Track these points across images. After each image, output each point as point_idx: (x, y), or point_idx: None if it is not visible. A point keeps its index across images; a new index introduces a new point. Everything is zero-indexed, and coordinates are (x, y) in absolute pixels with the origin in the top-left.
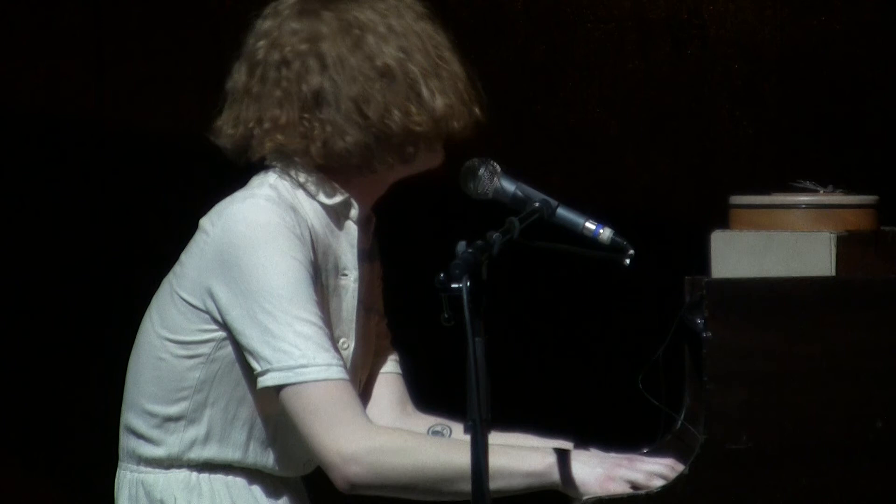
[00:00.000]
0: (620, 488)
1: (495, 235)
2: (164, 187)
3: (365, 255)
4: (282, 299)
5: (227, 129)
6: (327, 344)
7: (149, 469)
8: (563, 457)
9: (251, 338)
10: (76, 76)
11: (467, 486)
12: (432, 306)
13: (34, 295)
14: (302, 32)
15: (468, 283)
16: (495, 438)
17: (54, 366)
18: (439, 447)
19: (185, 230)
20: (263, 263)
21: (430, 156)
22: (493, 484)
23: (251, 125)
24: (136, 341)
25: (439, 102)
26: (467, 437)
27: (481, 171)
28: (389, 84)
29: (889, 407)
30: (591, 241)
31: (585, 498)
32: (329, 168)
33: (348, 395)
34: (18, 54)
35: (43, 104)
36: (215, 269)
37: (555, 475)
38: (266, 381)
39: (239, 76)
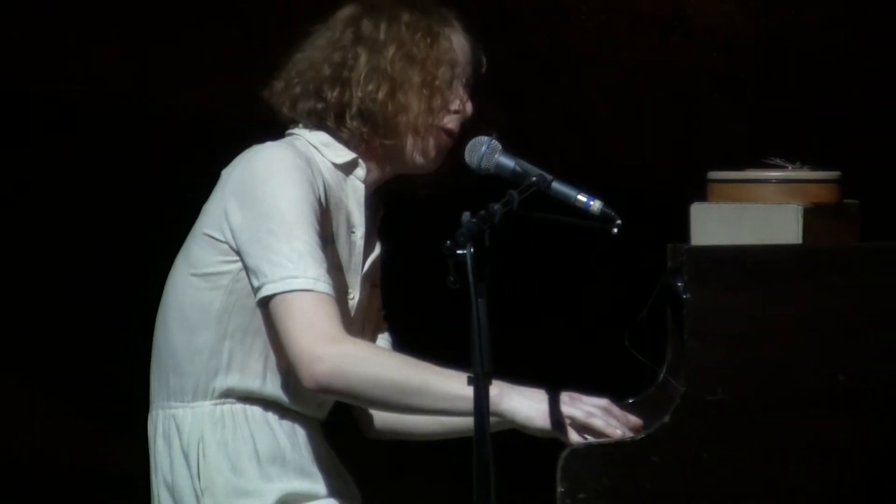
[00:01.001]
0: (559, 423)
1: (496, 206)
2: (202, 166)
3: (371, 237)
4: (284, 221)
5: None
6: (319, 263)
7: (178, 404)
8: (509, 390)
9: (255, 256)
10: (118, 61)
11: (418, 401)
12: (441, 271)
13: (82, 262)
14: (326, 25)
15: (472, 250)
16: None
17: (97, 320)
18: (400, 363)
19: None
20: (274, 190)
21: (403, 149)
22: (443, 404)
23: (268, 93)
24: (165, 289)
25: (381, 91)
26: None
27: (484, 148)
28: (354, 65)
29: (851, 362)
30: (583, 212)
31: (576, 442)
32: (330, 130)
33: (329, 307)
34: (63, 40)
35: (86, 87)
36: (232, 196)
37: (500, 405)
38: (261, 293)
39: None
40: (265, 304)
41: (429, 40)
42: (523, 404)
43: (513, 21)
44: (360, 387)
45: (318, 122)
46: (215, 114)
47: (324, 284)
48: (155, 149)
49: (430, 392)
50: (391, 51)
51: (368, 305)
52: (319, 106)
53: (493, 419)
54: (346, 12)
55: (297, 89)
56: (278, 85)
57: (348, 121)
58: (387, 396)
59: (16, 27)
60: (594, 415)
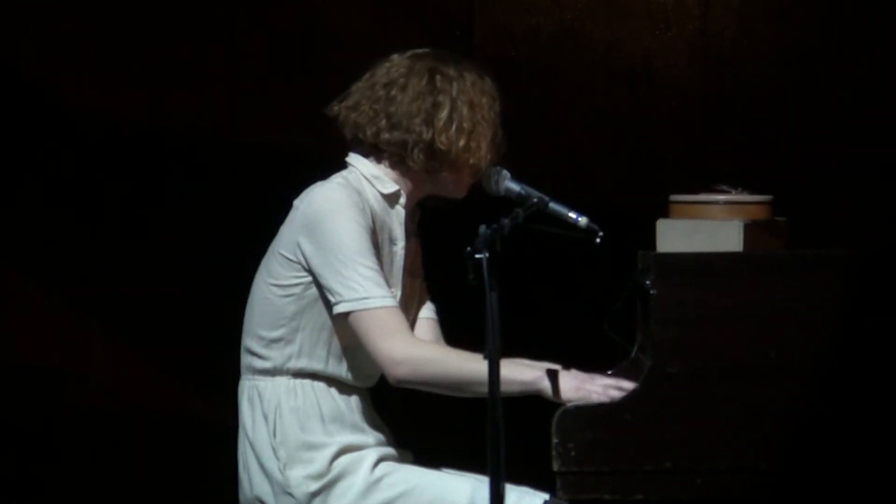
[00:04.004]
0: (585, 395)
1: (505, 221)
2: (280, 190)
3: (410, 237)
4: (349, 251)
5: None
6: (383, 283)
7: (260, 378)
8: (547, 372)
9: (328, 279)
10: (213, 99)
11: (480, 388)
12: (462, 271)
13: (186, 274)
14: (404, 68)
15: (487, 254)
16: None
17: (200, 308)
18: (461, 358)
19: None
20: (336, 226)
21: (452, 182)
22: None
23: (347, 110)
24: (251, 291)
25: (461, 139)
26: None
27: (496, 175)
28: (436, 113)
29: (779, 343)
30: (573, 226)
31: (569, 404)
32: (383, 161)
33: (399, 317)
34: (167, 81)
35: (185, 122)
36: (302, 231)
37: (540, 384)
38: (339, 308)
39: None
40: (342, 316)
41: (488, 101)
42: (558, 382)
43: (513, 74)
44: (431, 381)
45: (396, 151)
46: (299, 146)
47: (391, 300)
48: (242, 177)
49: (483, 380)
50: (465, 105)
51: (411, 291)
52: (405, 138)
53: (521, 388)
54: (419, 64)
55: (383, 121)
56: (361, 111)
57: (423, 155)
58: (455, 384)
59: (121, 69)
60: (611, 388)
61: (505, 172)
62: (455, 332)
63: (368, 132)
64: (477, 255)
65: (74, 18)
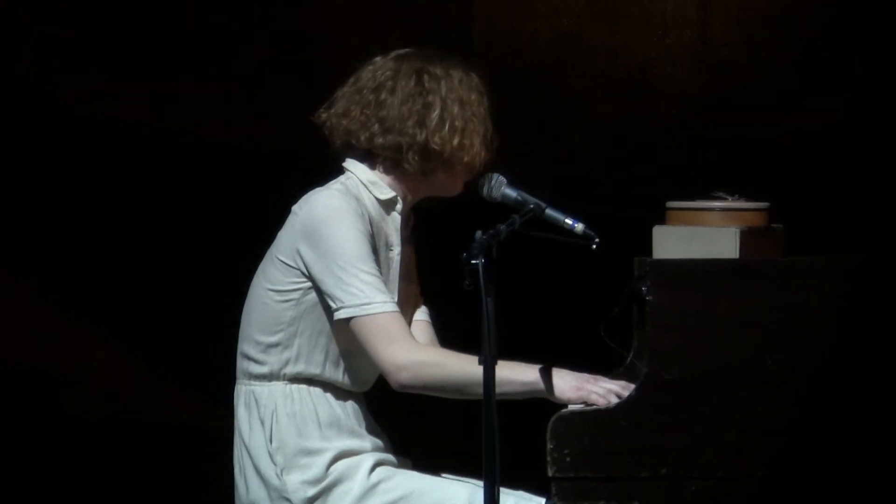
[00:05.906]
0: (585, 395)
1: (502, 227)
2: (277, 193)
3: (405, 243)
4: (350, 257)
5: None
6: (383, 288)
7: (257, 383)
8: (548, 371)
9: (329, 285)
10: (211, 103)
11: (477, 390)
12: (459, 277)
13: (184, 277)
14: (390, 71)
15: (483, 260)
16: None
17: (199, 311)
18: (463, 361)
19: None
20: (336, 233)
21: (448, 181)
22: (500, 389)
23: (337, 117)
24: (248, 295)
25: (455, 138)
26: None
27: (493, 181)
28: (427, 114)
29: (775, 349)
30: (569, 232)
31: (564, 410)
32: (378, 166)
33: (400, 322)
34: (164, 84)
35: (182, 126)
36: (302, 237)
37: (541, 385)
38: (340, 314)
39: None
40: (343, 322)
41: (476, 97)
42: (558, 382)
43: (513, 80)
44: (434, 385)
45: (391, 155)
46: (292, 151)
47: (391, 305)
48: (239, 181)
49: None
50: (455, 103)
51: (406, 297)
52: (399, 141)
53: (524, 388)
54: (406, 65)
55: (376, 126)
56: (352, 118)
57: (418, 157)
58: (457, 387)
59: (118, 72)
60: (612, 392)
61: (501, 178)
62: (452, 338)
63: (361, 138)
64: (473, 261)
65: (71, 21)
